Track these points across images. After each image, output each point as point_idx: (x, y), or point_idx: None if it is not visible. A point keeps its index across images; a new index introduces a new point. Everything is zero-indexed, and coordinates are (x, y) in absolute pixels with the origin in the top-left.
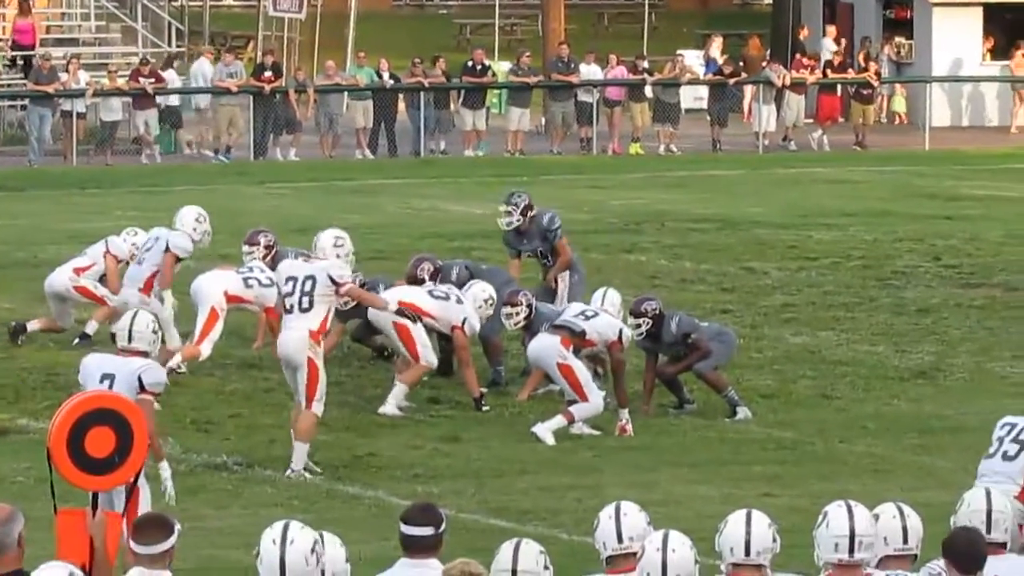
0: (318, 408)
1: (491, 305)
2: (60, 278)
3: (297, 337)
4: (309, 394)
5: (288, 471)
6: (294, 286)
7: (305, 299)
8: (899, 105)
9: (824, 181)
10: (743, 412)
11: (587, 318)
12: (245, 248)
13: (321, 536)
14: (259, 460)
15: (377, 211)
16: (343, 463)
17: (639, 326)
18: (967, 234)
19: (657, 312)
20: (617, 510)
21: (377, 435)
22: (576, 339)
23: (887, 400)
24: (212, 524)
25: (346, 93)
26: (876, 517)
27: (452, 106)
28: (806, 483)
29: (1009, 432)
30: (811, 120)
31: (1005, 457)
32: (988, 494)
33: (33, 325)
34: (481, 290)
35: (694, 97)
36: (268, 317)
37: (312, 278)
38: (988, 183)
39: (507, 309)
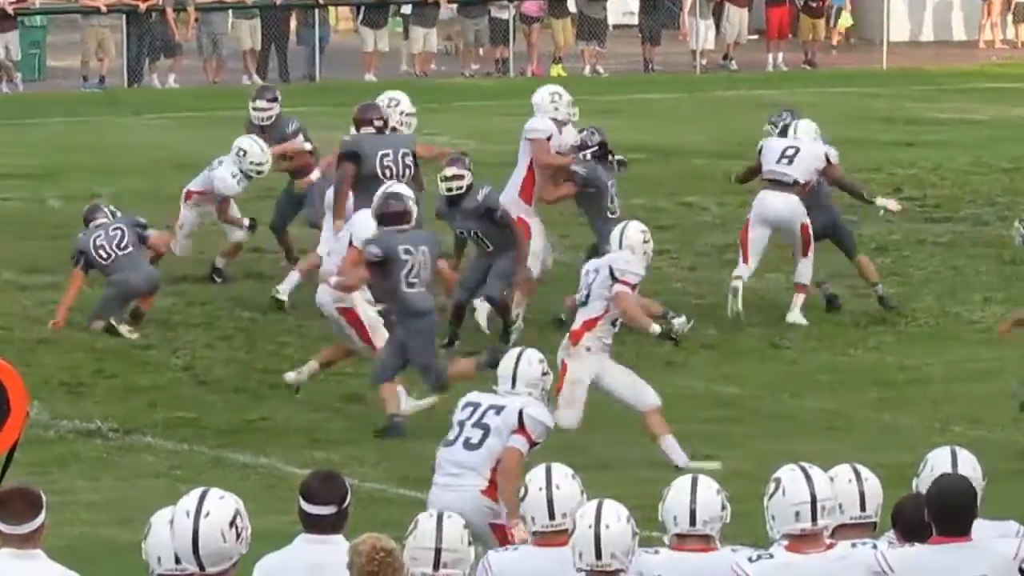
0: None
1: None
2: None
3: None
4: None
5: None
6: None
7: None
8: (844, 20)
9: (769, 105)
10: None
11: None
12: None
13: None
14: (137, 426)
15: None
16: (232, 428)
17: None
18: (930, 163)
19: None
20: (548, 481)
21: (270, 397)
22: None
23: (843, 350)
24: (84, 497)
25: (231, 11)
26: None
27: (353, 24)
28: (752, 443)
29: (471, 414)
30: (756, 36)
31: (467, 445)
32: (954, 454)
33: None
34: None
35: (623, 12)
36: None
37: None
38: (953, 105)
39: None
